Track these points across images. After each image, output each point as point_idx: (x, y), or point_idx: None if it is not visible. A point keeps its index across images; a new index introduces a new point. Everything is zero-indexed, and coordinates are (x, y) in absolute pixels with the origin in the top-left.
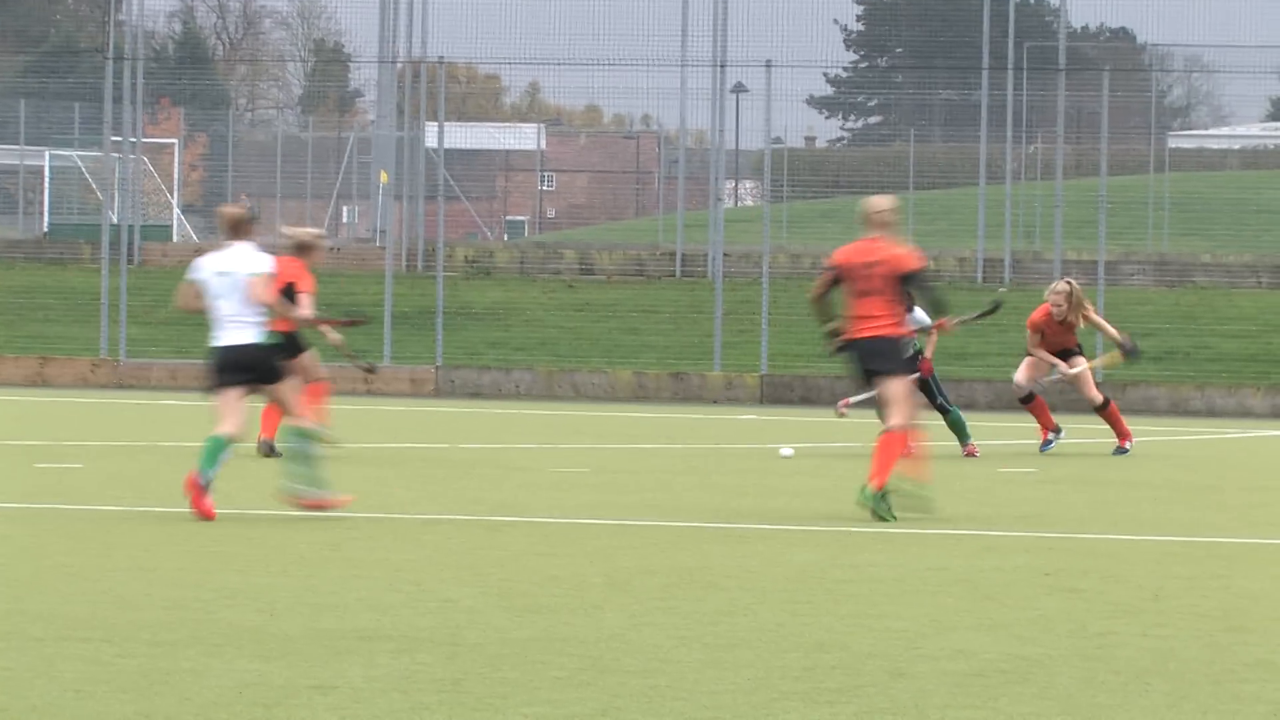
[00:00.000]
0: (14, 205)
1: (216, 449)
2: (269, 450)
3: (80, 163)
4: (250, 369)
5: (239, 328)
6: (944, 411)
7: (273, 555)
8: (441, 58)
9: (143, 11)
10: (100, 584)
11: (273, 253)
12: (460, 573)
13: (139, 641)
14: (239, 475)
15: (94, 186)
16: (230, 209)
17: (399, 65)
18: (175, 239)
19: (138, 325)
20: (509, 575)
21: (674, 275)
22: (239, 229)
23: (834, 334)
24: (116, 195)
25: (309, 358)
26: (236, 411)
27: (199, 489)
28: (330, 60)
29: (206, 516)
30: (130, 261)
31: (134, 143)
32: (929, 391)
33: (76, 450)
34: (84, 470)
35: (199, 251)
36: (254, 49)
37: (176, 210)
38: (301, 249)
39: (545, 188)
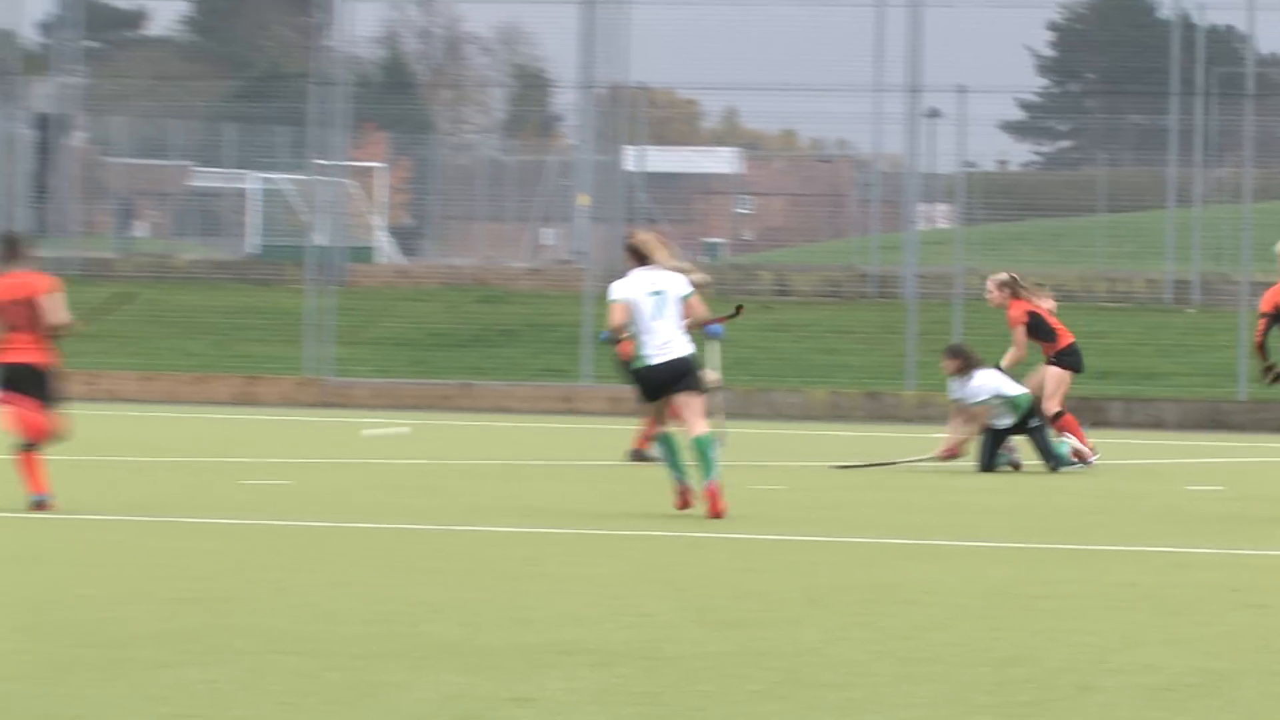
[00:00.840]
0: (222, 227)
1: (705, 449)
2: (639, 457)
3: (286, 186)
4: (682, 378)
5: (673, 342)
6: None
7: (475, 570)
8: (641, 83)
9: (348, 38)
10: (307, 598)
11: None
12: (659, 587)
13: (344, 655)
14: (440, 491)
15: (300, 209)
16: (639, 237)
17: (599, 90)
18: (380, 260)
19: (343, 345)
20: (707, 590)
21: (869, 296)
22: (646, 255)
23: (1271, 368)
24: (322, 218)
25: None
26: (693, 413)
27: (715, 493)
28: (532, 86)
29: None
30: (336, 283)
31: (340, 166)
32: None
33: (284, 467)
34: (292, 487)
35: (402, 273)
36: (457, 74)
37: (381, 232)
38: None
39: (742, 210)
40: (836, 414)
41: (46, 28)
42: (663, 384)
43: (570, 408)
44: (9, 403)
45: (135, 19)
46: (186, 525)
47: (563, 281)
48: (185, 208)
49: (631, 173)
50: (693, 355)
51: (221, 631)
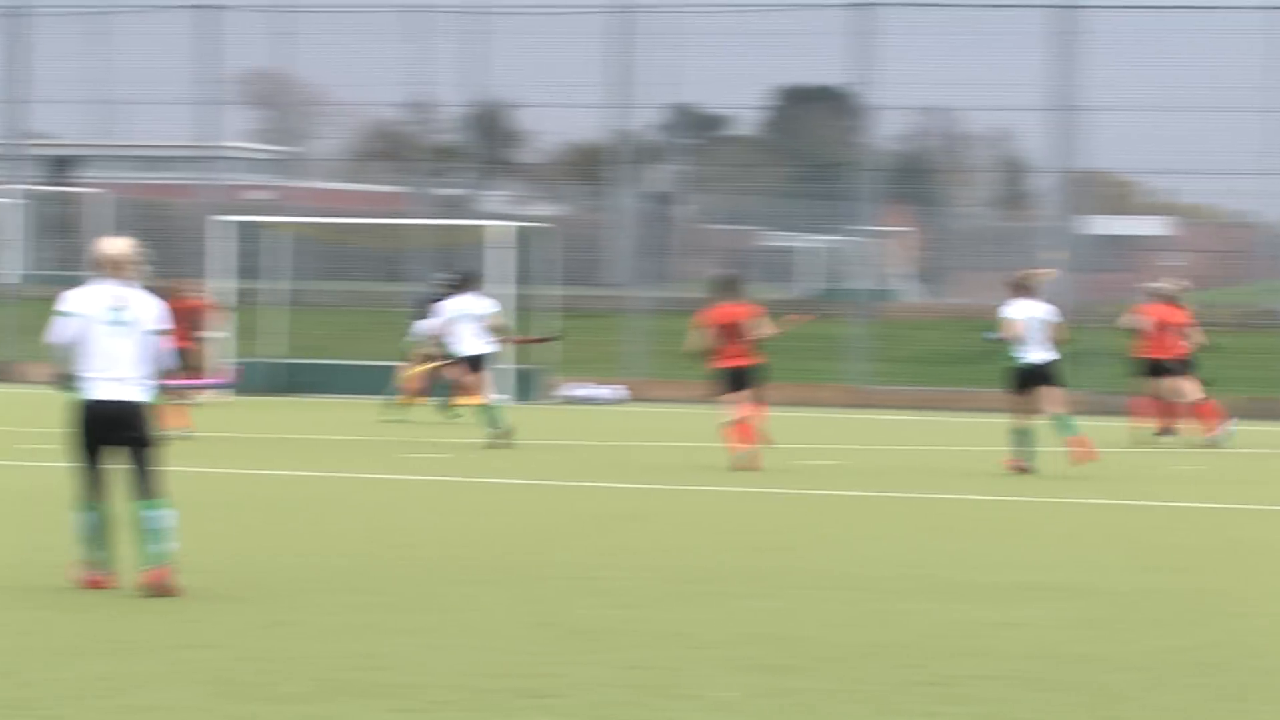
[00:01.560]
0: (786, 275)
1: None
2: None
3: (834, 245)
4: (1046, 376)
5: (1043, 350)
6: None
7: (977, 527)
8: (1095, 169)
9: (879, 136)
10: (851, 548)
11: (1145, 300)
12: (1103, 541)
13: (878, 590)
14: (953, 470)
15: (843, 262)
16: (1023, 274)
17: (1065, 174)
18: (903, 299)
19: (877, 361)
20: (1136, 543)
21: (1267, 327)
22: (1027, 289)
23: None
24: (860, 268)
25: (1186, 382)
26: (1046, 405)
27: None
28: (1015, 171)
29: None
30: (871, 316)
31: (873, 230)
32: None
33: (835, 452)
34: (841, 466)
35: (919, 309)
36: (960, 162)
37: (904, 279)
38: (1169, 296)
39: (1174, 263)
40: (1251, 413)
41: (657, 129)
42: (1032, 378)
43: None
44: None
45: (724, 122)
46: (761, 494)
47: None
48: (759, 261)
49: (1087, 235)
50: (1054, 361)
51: (787, 571)
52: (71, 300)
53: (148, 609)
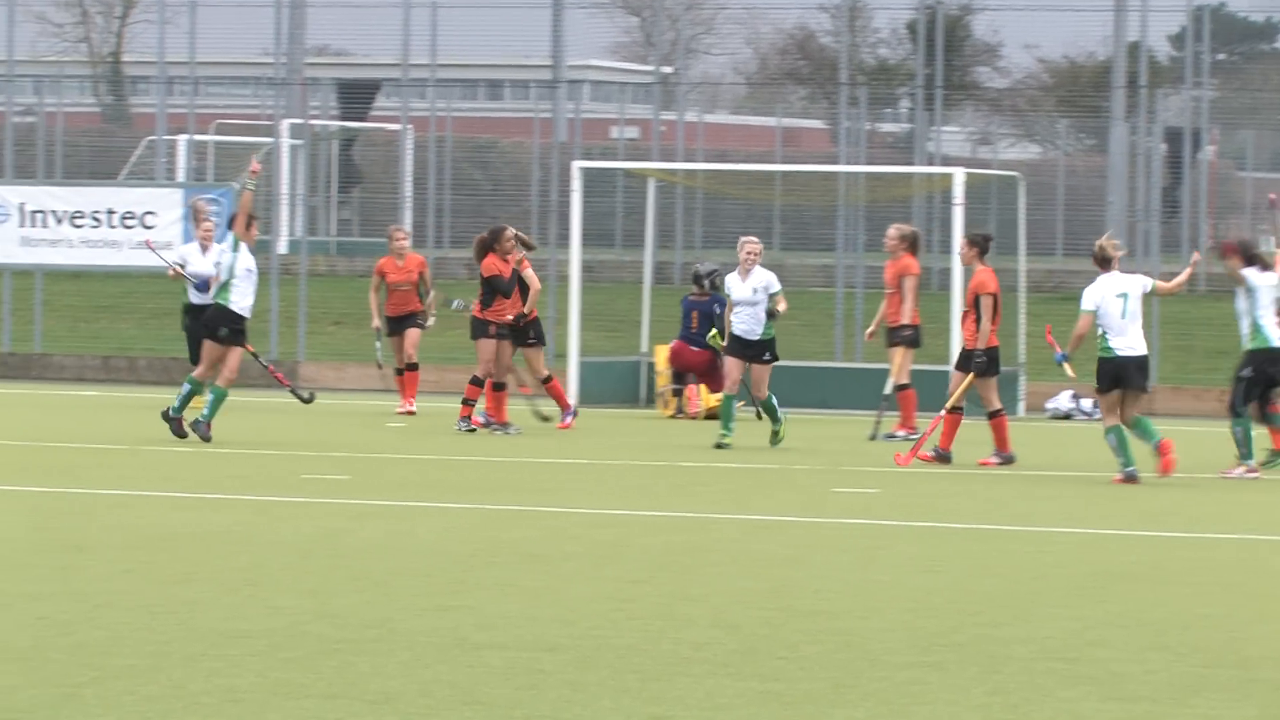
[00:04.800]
0: None
1: (1142, 423)
2: None
3: None
4: (1136, 374)
5: (1136, 340)
6: None
7: None
8: None
9: None
10: None
11: None
12: None
13: None
14: None
15: None
16: (1102, 243)
17: None
18: None
19: None
20: None
21: None
22: (1107, 260)
23: None
24: None
25: None
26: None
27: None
28: None
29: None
30: None
31: None
32: None
33: None
34: None
35: None
36: None
37: None
38: None
39: None
40: None
41: (1176, 40)
42: (1119, 376)
43: None
44: None
45: (1268, 32)
46: None
47: None
48: None
49: None
50: (1145, 356)
51: None
52: None
53: None
